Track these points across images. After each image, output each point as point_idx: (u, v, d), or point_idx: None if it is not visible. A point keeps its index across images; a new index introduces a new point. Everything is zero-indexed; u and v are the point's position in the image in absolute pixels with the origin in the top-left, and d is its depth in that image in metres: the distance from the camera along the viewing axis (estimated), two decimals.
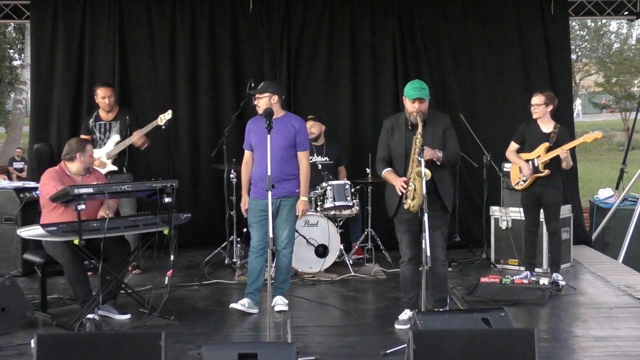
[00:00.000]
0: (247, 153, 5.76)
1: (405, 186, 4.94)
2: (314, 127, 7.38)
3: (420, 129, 4.94)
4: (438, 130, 5.11)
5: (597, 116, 35.68)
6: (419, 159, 4.78)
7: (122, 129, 6.82)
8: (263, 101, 5.56)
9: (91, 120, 6.93)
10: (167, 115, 6.71)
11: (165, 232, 5.33)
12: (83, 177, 5.60)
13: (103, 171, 6.45)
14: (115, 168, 6.77)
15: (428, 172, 4.78)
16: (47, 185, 5.39)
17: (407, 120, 5.12)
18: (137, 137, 6.68)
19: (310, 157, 6.03)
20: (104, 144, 6.81)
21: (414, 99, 5.02)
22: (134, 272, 6.84)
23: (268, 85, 5.66)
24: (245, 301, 5.56)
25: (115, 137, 6.80)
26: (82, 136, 6.76)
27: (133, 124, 6.85)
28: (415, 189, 4.88)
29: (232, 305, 5.59)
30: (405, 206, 4.96)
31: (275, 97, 5.59)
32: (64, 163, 5.60)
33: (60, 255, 5.31)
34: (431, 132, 5.06)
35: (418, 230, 4.96)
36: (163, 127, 6.79)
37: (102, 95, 6.85)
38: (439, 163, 5.01)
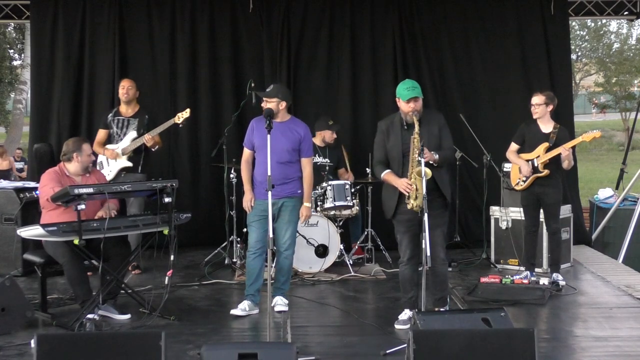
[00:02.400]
0: (246, 151, 5.72)
1: (410, 186, 4.93)
2: (335, 134, 7.41)
3: (417, 128, 4.94)
4: (434, 128, 5.11)
5: (596, 116, 35.74)
6: (419, 159, 4.78)
7: (139, 127, 6.81)
8: (271, 105, 5.53)
9: (110, 114, 6.94)
10: (185, 114, 6.70)
11: (165, 232, 5.32)
12: (83, 177, 5.60)
13: (117, 165, 6.45)
14: (130, 164, 6.76)
15: (429, 171, 4.78)
16: (46, 187, 5.39)
17: (402, 121, 5.12)
18: (148, 137, 6.65)
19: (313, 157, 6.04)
20: (121, 139, 6.82)
21: (409, 98, 5.02)
22: (134, 272, 6.84)
23: (278, 91, 5.62)
24: (245, 305, 5.54)
25: (132, 134, 6.79)
26: (101, 130, 6.86)
27: (150, 124, 6.84)
28: (417, 189, 4.87)
29: (233, 311, 5.55)
30: (409, 206, 4.94)
31: (284, 103, 5.56)
32: (63, 163, 5.60)
33: (60, 255, 5.31)
34: (427, 130, 5.05)
35: (418, 230, 4.96)
36: (180, 126, 6.81)
37: (122, 85, 6.91)
38: (435, 165, 5.00)
